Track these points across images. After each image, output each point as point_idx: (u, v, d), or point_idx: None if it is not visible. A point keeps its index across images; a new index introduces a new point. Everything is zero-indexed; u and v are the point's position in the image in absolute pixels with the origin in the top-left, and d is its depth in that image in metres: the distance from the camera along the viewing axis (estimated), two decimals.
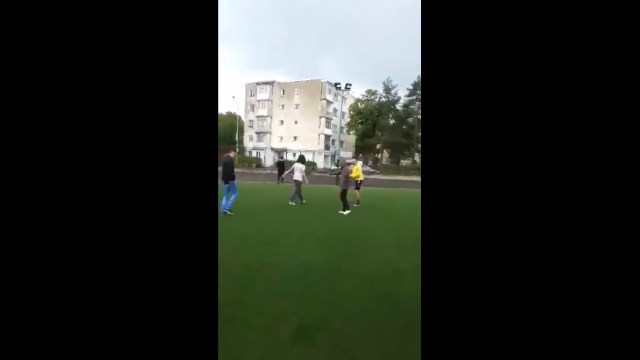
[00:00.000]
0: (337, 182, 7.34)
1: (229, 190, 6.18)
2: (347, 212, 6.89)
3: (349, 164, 7.67)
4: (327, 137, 40.84)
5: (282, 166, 15.41)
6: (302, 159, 8.51)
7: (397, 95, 37.54)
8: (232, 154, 6.51)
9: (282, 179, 13.74)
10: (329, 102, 40.80)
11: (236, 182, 6.26)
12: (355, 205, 7.97)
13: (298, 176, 8.11)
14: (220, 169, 3.72)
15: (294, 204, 7.93)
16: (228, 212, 6.06)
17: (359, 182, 8.30)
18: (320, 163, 36.62)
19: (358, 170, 8.21)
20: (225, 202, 6.08)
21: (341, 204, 7.02)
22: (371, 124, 37.22)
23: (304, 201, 8.09)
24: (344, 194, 7.06)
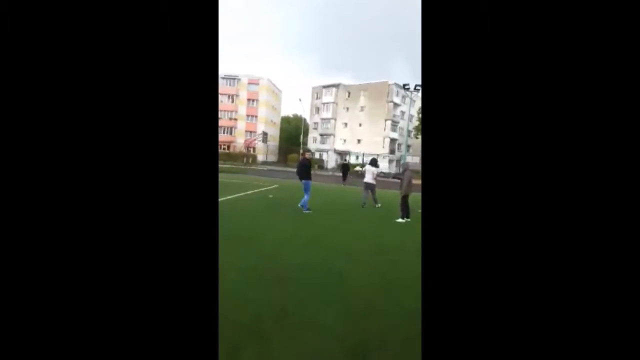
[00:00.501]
0: (400, 186, 6.57)
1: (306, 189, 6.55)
2: (404, 220, 6.22)
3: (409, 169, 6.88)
4: (393, 141, 39.18)
5: (347, 168, 16.27)
6: (374, 162, 8.42)
7: None
8: (307, 155, 7.06)
9: (346, 180, 14.28)
10: (396, 105, 39.15)
11: (307, 182, 6.53)
12: None
13: (369, 178, 8.03)
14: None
15: (378, 205, 7.93)
16: (304, 211, 6.39)
17: None
18: (384, 168, 35.16)
19: None
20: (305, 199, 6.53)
21: (399, 211, 6.35)
22: None
23: (365, 204, 8.00)
24: (404, 199, 6.33)
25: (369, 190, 8.06)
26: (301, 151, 7.62)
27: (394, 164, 31.01)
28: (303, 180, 6.56)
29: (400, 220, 6.25)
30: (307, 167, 6.61)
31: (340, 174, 16.64)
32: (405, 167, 6.91)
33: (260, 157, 36.74)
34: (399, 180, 6.85)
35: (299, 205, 6.62)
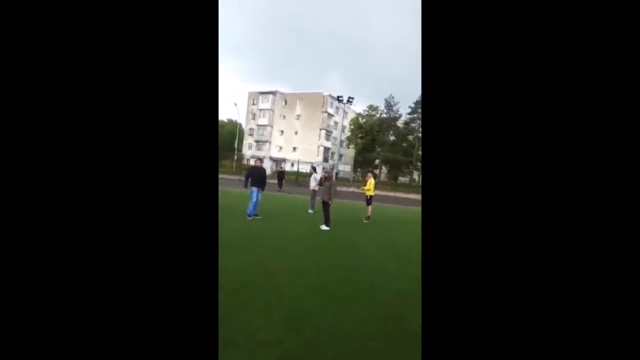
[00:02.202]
0: (322, 193, 6.64)
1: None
2: (325, 228, 6.13)
3: (326, 175, 6.88)
4: (326, 149, 40.73)
5: (282, 175, 17.04)
6: (314, 169, 9.03)
7: (399, 112, 37.64)
8: (258, 163, 7.05)
9: (282, 185, 15.45)
10: (330, 115, 40.92)
11: (253, 189, 6.64)
12: (365, 221, 7.84)
13: (313, 185, 8.51)
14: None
15: (311, 211, 8.26)
16: (248, 218, 6.40)
17: (370, 197, 8.00)
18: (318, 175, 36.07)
19: (371, 184, 8.02)
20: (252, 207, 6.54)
21: (322, 217, 6.33)
22: (371, 139, 37.10)
23: (311, 211, 8.33)
24: (325, 206, 6.28)
25: (313, 196, 8.44)
26: (254, 159, 7.81)
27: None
28: (255, 188, 6.53)
29: (323, 226, 6.15)
30: (263, 176, 6.76)
31: (276, 181, 16.86)
32: (329, 175, 6.68)
33: None
34: (321, 187, 6.82)
35: (249, 216, 6.47)
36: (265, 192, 7.04)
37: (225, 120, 57.09)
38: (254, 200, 6.53)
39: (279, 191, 14.73)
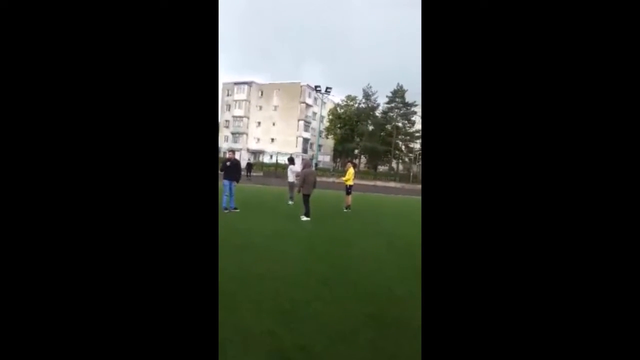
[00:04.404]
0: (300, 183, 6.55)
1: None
2: (305, 219, 6.09)
3: (303, 165, 6.76)
4: (305, 140, 40.32)
5: (250, 167, 19.79)
6: (291, 160, 8.85)
7: (377, 102, 37.64)
8: (231, 155, 6.83)
9: (250, 175, 17.40)
10: (308, 106, 40.41)
11: (225, 182, 6.46)
12: (345, 210, 7.82)
13: (291, 177, 8.33)
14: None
15: (291, 202, 8.10)
16: (225, 210, 6.27)
17: (349, 186, 8.00)
18: (297, 166, 35.84)
19: (350, 174, 8.02)
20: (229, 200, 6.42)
21: (303, 208, 6.30)
22: (349, 129, 37.00)
23: (291, 202, 8.15)
24: (305, 197, 6.27)
25: (291, 188, 8.30)
26: (229, 151, 7.16)
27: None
28: (231, 181, 6.42)
29: (303, 217, 6.12)
30: (238, 167, 6.69)
31: (246, 173, 18.13)
32: (305, 164, 6.59)
33: None
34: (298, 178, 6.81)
35: (225, 209, 6.27)
36: (238, 184, 6.86)
37: None
38: (227, 192, 6.43)
39: (249, 181, 15.57)
